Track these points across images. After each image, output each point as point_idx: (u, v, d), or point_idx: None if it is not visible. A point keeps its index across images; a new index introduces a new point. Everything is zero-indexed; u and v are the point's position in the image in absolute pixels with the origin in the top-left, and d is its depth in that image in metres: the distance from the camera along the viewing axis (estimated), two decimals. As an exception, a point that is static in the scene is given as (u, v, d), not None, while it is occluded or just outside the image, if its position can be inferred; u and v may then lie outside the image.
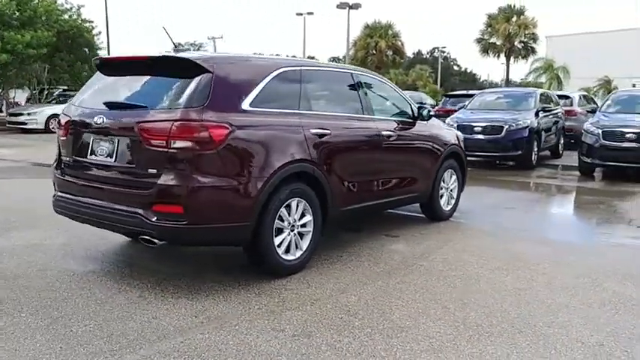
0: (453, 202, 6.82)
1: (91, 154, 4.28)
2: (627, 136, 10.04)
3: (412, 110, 6.13)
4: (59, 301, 3.89)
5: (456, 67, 78.89)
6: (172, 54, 4.29)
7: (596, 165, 10.57)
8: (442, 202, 6.61)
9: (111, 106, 4.21)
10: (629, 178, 10.24)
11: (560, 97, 16.90)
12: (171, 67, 4.21)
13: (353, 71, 5.58)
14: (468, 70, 78.01)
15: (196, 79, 4.00)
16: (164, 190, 3.85)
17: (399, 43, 44.65)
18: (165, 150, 3.84)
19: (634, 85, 36.34)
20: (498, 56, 40.84)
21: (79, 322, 3.54)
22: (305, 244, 4.59)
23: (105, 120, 4.11)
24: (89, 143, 4.30)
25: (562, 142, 14.74)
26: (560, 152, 14.60)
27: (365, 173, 5.27)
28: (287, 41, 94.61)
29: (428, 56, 75.45)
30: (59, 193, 4.52)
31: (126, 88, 4.38)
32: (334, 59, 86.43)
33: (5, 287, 4.13)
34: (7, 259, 4.80)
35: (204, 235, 3.99)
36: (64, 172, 4.54)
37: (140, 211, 3.90)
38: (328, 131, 4.78)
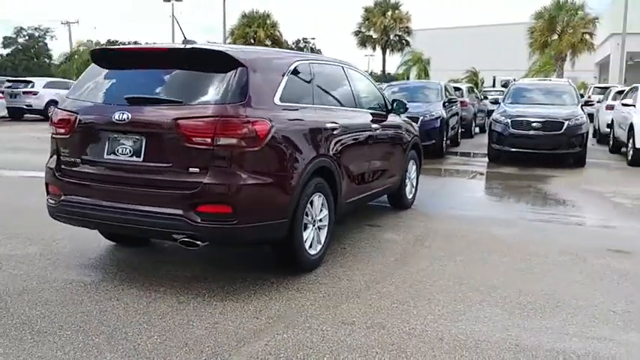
0: (413, 190, 7.12)
1: (108, 154, 3.95)
2: (534, 124, 11.04)
3: (386, 102, 6.31)
4: (94, 314, 3.57)
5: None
6: (205, 46, 4.07)
7: (506, 152, 11.48)
8: (407, 191, 6.89)
9: (135, 101, 3.91)
10: (531, 162, 11.25)
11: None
12: (203, 60, 4.00)
13: (343, 64, 5.63)
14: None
15: (233, 74, 3.85)
16: (211, 190, 3.67)
17: (278, 34, 44.82)
18: (211, 147, 3.67)
19: (494, 78, 39.70)
20: (375, 49, 42.46)
21: (139, 334, 3.30)
22: (322, 238, 4.60)
23: (130, 116, 3.81)
24: (105, 141, 3.96)
25: (460, 131, 15.84)
26: (459, 141, 15.65)
27: (361, 165, 5.37)
28: (154, 28, 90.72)
29: (294, 47, 76.21)
30: (65, 197, 4.10)
31: (145, 81, 4.08)
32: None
33: (18, 304, 3.70)
34: (-8, 274, 4.29)
35: (252, 234, 3.86)
36: (68, 173, 4.13)
37: (181, 212, 3.69)
38: (337, 124, 4.82)
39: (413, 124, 7.36)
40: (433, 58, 42.59)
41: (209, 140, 3.66)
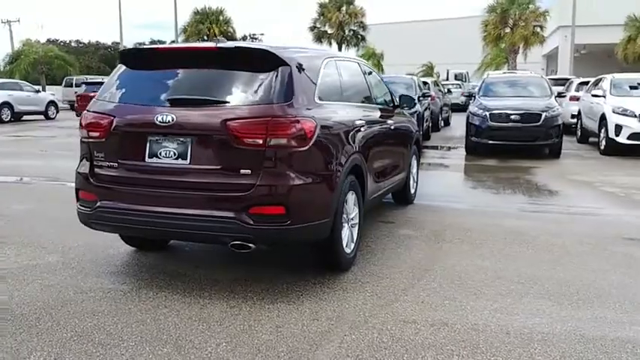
0: (415, 186, 7.19)
1: (150, 157, 3.81)
2: (512, 117, 11.31)
3: (393, 98, 6.33)
4: (149, 323, 3.45)
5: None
6: (249, 44, 3.97)
7: (484, 144, 11.71)
8: (410, 186, 6.94)
9: (179, 102, 3.78)
10: (508, 154, 11.51)
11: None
12: (246, 59, 3.91)
13: (358, 60, 5.61)
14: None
15: (277, 73, 3.78)
16: (265, 191, 3.61)
17: (232, 30, 44.32)
18: (262, 149, 3.59)
19: (448, 71, 40.33)
20: (331, 44, 42.53)
21: (206, 342, 3.21)
22: (355, 236, 4.58)
23: (175, 118, 3.68)
24: (146, 144, 3.82)
25: (430, 124, 16.08)
26: (430, 134, 15.88)
27: (380, 161, 5.37)
28: (98, 26, 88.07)
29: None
30: (102, 203, 3.93)
31: (185, 82, 3.96)
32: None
33: (66, 317, 3.54)
34: (21, 284, 4.08)
35: (303, 235, 3.81)
36: (104, 179, 3.97)
37: (233, 214, 3.60)
38: (363, 121, 4.81)
39: (413, 119, 7.41)
40: (388, 52, 43.11)
41: (261, 141, 3.59)
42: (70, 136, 16.73)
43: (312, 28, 42.79)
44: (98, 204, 3.94)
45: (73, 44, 78.23)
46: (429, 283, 4.19)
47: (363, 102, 5.23)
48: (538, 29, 34.26)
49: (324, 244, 4.14)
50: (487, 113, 11.52)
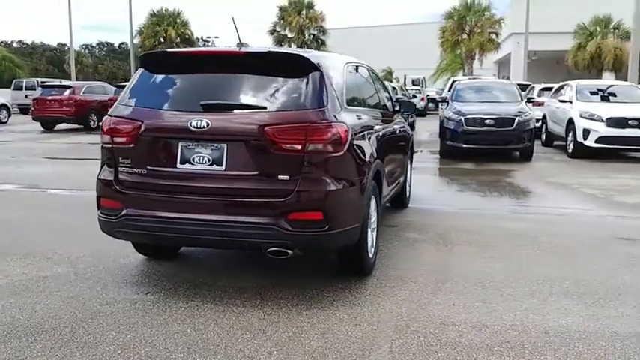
0: (409, 189, 7.28)
1: (182, 163, 3.74)
2: (487, 121, 11.59)
3: (393, 103, 6.40)
4: (190, 333, 3.39)
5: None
6: (280, 49, 3.93)
7: (458, 148, 11.94)
8: (407, 190, 7.03)
9: (212, 107, 3.72)
10: (481, 158, 11.76)
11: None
12: (276, 64, 3.88)
13: (367, 65, 5.65)
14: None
15: (309, 78, 3.79)
16: (304, 197, 3.60)
17: (189, 33, 43.81)
18: (301, 154, 3.58)
19: (405, 77, 40.88)
20: (291, 48, 42.50)
21: (256, 351, 3.18)
22: (374, 240, 4.62)
23: (210, 124, 3.62)
24: (177, 150, 3.75)
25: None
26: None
27: (390, 166, 5.42)
28: (41, 26, 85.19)
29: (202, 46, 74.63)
30: (128, 211, 3.82)
31: (215, 86, 3.90)
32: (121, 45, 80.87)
33: (100, 329, 3.43)
34: (39, 297, 3.93)
35: (338, 240, 3.81)
36: (130, 186, 3.86)
37: (271, 221, 3.58)
38: (380, 126, 4.86)
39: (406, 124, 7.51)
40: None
41: (299, 147, 3.58)
42: (30, 141, 16.21)
43: (272, 32, 42.68)
44: (124, 212, 3.83)
45: (15, 45, 75.44)
46: (453, 286, 4.25)
47: (375, 107, 5.28)
48: (493, 36, 35.27)
49: (352, 250, 4.15)
50: (462, 118, 11.77)
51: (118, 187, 3.87)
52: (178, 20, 43.13)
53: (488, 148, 11.84)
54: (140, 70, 4.11)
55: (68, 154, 13.07)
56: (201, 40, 69.00)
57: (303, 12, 41.05)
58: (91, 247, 5.04)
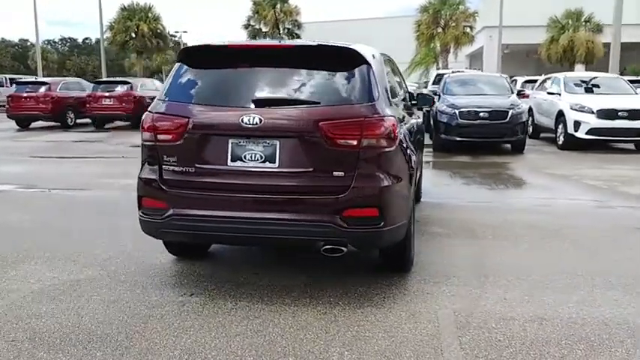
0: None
1: (233, 160, 3.62)
2: (481, 114, 11.66)
3: (411, 96, 6.35)
4: (251, 335, 3.30)
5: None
6: (329, 42, 3.83)
7: (452, 141, 11.99)
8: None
9: (263, 103, 3.62)
10: (475, 150, 11.85)
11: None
12: (326, 57, 3.80)
13: (389, 57, 5.58)
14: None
15: (359, 71, 3.72)
16: (360, 194, 3.53)
17: (161, 27, 43.09)
18: (356, 150, 3.51)
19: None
20: (265, 42, 42.18)
21: (324, 352, 3.11)
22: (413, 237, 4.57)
23: (262, 120, 3.52)
24: (227, 147, 3.63)
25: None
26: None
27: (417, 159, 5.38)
28: (10, 22, 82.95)
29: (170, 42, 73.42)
30: (175, 211, 3.69)
31: (262, 81, 3.80)
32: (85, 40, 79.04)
33: (157, 334, 3.31)
34: (79, 301, 3.78)
35: (391, 236, 3.74)
36: (177, 185, 3.73)
37: (327, 218, 3.50)
38: (412, 120, 4.83)
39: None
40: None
41: (355, 142, 3.51)
42: (8, 139, 15.74)
43: (247, 26, 42.28)
44: (170, 212, 3.70)
45: (-27, 40, 73.15)
46: (497, 280, 4.24)
47: (403, 100, 5.22)
48: (468, 29, 35.59)
49: (399, 246, 4.09)
50: (456, 111, 11.82)
51: (163, 187, 3.74)
52: (150, 15, 42.29)
53: (482, 141, 11.91)
54: (178, 64, 3.97)
55: (54, 153, 12.69)
56: (169, 35, 67.98)
57: (278, 6, 40.73)
58: (115, 249, 4.90)
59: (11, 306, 3.73)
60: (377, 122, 3.58)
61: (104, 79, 25.11)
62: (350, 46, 3.81)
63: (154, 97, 4.09)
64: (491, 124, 11.66)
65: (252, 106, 3.62)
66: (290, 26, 41.68)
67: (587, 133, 11.84)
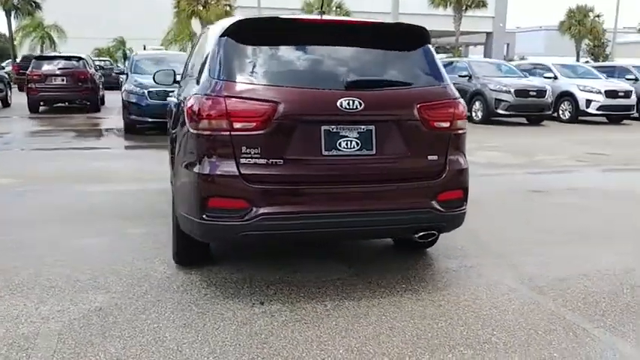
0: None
1: (328, 149, 3.25)
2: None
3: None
4: (325, 342, 3.05)
5: None
6: (404, 23, 3.60)
7: (140, 122, 11.38)
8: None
9: (357, 85, 3.31)
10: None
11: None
12: (404, 37, 3.63)
13: None
14: None
15: (428, 52, 3.66)
16: (454, 176, 3.53)
17: None
18: (448, 132, 3.49)
19: (145, 47, 39.02)
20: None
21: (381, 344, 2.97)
22: None
23: (362, 103, 3.23)
24: (319, 135, 3.23)
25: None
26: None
27: None
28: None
29: None
30: (260, 210, 3.15)
31: (344, 61, 3.47)
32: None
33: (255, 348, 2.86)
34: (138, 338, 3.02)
35: (464, 219, 3.76)
36: (262, 180, 3.19)
37: (428, 203, 3.42)
38: None
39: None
40: (71, 24, 39.59)
41: (448, 124, 3.49)
42: None
43: None
44: (255, 211, 3.16)
45: None
46: (539, 265, 4.16)
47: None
48: (228, 8, 35.68)
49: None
50: (145, 91, 11.09)
51: (244, 183, 3.16)
52: None
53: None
54: (224, 39, 3.36)
55: None
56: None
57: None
58: (108, 267, 3.97)
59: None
60: (460, 103, 3.60)
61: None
62: (420, 26, 3.67)
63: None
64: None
65: (344, 88, 3.30)
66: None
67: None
